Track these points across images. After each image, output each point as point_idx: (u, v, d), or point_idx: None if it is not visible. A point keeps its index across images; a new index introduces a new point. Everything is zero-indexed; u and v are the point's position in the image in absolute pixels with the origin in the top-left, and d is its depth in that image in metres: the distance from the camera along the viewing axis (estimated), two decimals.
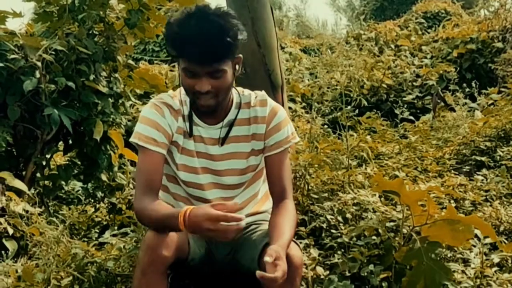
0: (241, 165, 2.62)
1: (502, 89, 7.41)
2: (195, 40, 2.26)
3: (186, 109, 2.57)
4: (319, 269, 2.81)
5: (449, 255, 3.02)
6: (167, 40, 2.38)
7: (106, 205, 5.04)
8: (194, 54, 2.30)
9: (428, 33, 12.43)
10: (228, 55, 2.35)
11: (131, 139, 2.51)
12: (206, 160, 2.59)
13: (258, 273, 2.03)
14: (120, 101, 5.00)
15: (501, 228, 3.43)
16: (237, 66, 2.47)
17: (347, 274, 2.80)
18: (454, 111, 6.76)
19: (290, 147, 2.67)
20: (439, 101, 7.47)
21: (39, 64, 4.24)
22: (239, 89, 2.67)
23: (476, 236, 2.94)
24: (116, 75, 4.92)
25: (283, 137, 2.61)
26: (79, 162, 5.05)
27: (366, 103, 6.36)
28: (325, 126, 6.23)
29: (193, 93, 2.41)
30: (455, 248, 3.03)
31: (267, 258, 2.07)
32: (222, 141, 2.59)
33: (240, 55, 2.46)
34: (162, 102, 2.57)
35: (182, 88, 2.52)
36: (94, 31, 4.73)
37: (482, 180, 4.20)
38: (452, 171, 4.50)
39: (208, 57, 2.30)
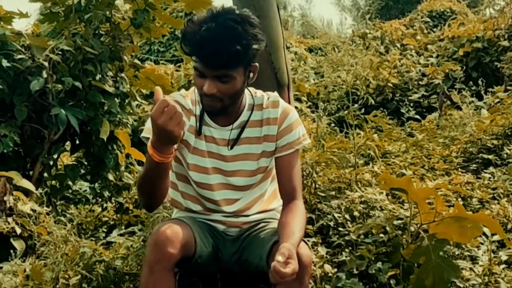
0: (252, 167, 2.62)
1: (509, 88, 7.37)
2: (206, 43, 2.25)
3: (198, 108, 2.58)
4: (327, 267, 2.81)
5: (457, 253, 3.02)
6: (183, 36, 2.36)
7: (113, 204, 5.05)
8: (202, 56, 2.30)
9: (434, 32, 12.37)
10: (237, 63, 2.33)
11: (142, 135, 2.51)
12: (217, 160, 2.59)
13: (273, 263, 2.03)
14: (127, 101, 5.02)
15: (509, 226, 3.43)
16: (251, 74, 2.45)
17: (355, 271, 2.80)
18: (461, 109, 6.74)
19: (301, 148, 2.67)
20: (445, 100, 7.45)
21: (46, 64, 4.25)
22: (252, 90, 2.66)
23: (484, 233, 2.94)
24: (123, 74, 4.93)
25: (294, 138, 2.60)
26: (86, 162, 5.07)
27: (373, 102, 6.36)
28: (332, 125, 6.22)
29: (200, 93, 2.42)
30: (463, 246, 3.03)
31: (279, 257, 2.05)
32: (233, 142, 2.59)
33: (256, 64, 2.44)
34: (174, 101, 2.56)
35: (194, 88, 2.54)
36: (100, 31, 4.75)
37: (490, 178, 4.19)
38: (459, 169, 4.48)
39: (215, 62, 2.29)
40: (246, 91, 2.59)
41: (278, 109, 2.61)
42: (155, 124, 2.10)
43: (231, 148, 2.58)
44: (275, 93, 2.68)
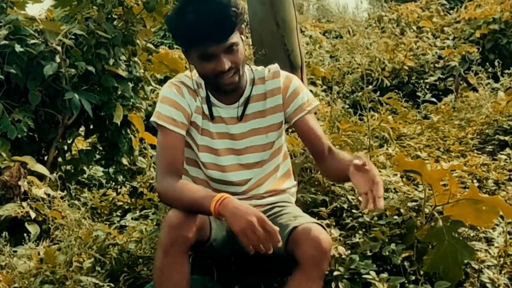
0: (262, 141, 2.63)
1: None
2: (203, 21, 2.26)
3: (202, 91, 2.57)
4: (341, 249, 2.79)
5: (472, 234, 2.99)
6: (175, 34, 2.40)
7: (127, 188, 5.06)
8: (206, 34, 2.29)
9: (450, 14, 12.24)
10: (237, 25, 2.36)
11: (151, 119, 2.51)
12: (228, 140, 2.59)
13: (355, 163, 2.15)
14: (140, 85, 5.01)
15: None
16: (242, 37, 2.48)
17: (369, 253, 2.78)
18: (477, 91, 6.67)
19: (313, 110, 2.65)
20: (461, 82, 7.37)
21: (59, 48, 4.26)
22: (252, 66, 2.69)
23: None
24: (136, 59, 4.93)
25: (303, 101, 2.63)
26: (100, 147, 5.08)
27: (388, 83, 6.28)
28: (346, 107, 6.17)
29: (215, 76, 2.40)
30: (478, 227, 2.99)
31: (356, 161, 2.13)
32: (240, 119, 2.60)
33: (242, 26, 2.48)
34: (180, 82, 2.58)
35: (195, 71, 2.53)
36: (113, 15, 4.74)
37: (506, 159, 4.15)
38: (475, 151, 4.44)
39: (222, 32, 2.31)
40: (246, 67, 2.60)
41: (280, 78, 2.64)
42: (247, 224, 2.10)
43: (240, 122, 2.58)
44: (275, 65, 2.71)
